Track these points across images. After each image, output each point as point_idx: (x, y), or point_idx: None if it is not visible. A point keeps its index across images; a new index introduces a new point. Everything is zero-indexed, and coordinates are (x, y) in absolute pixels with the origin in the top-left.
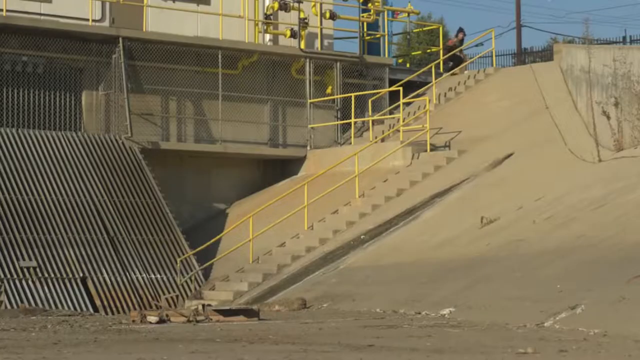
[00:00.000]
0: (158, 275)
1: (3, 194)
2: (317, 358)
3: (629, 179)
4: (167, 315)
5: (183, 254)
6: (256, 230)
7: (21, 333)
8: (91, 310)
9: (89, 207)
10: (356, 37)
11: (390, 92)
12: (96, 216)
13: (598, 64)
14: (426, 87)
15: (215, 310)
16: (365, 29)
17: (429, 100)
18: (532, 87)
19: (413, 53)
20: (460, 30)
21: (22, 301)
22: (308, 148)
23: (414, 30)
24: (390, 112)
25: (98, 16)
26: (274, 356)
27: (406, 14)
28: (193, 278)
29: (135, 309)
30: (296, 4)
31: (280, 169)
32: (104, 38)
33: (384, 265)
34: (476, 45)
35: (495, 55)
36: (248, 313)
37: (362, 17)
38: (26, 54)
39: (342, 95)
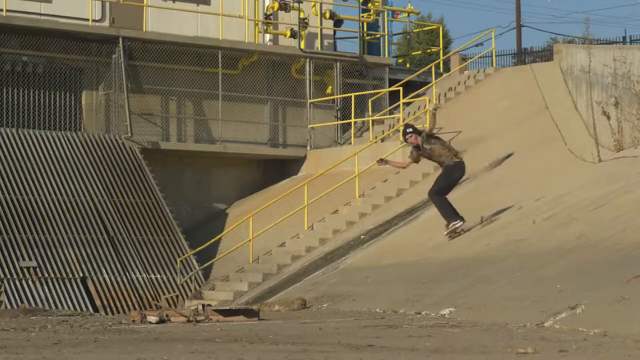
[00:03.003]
0: (158, 275)
1: (3, 194)
2: (317, 358)
3: (629, 179)
4: (167, 315)
5: (183, 254)
6: (256, 230)
7: (21, 333)
8: (91, 310)
9: (89, 207)
10: (356, 37)
11: (390, 92)
12: (96, 216)
13: (598, 64)
14: (426, 87)
15: (215, 310)
16: (365, 29)
17: (429, 100)
18: (532, 87)
19: (413, 53)
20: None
21: (22, 301)
22: (308, 148)
23: (414, 30)
24: (390, 112)
25: (98, 16)
26: (274, 356)
27: (406, 14)
28: (193, 278)
29: (135, 309)
30: (296, 4)
31: (280, 169)
32: (104, 38)
33: (384, 265)
34: (476, 45)
35: (495, 55)
36: (248, 313)
37: (362, 17)
38: (26, 54)
39: (342, 95)
